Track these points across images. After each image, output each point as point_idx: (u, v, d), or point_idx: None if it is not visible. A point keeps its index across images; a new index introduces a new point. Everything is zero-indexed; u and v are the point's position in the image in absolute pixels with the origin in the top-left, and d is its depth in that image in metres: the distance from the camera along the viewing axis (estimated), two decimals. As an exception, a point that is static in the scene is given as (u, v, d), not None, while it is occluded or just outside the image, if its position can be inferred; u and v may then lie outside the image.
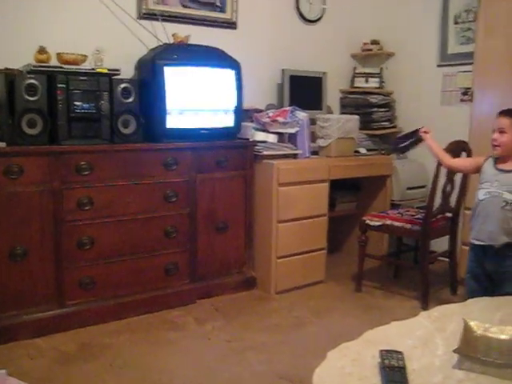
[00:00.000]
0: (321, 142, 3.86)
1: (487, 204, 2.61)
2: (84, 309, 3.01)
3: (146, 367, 2.57)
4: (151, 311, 3.20)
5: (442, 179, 3.40)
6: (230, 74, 3.48)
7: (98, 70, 3.07)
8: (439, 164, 3.21)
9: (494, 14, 3.41)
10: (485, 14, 3.46)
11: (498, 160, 2.67)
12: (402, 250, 4.15)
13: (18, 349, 2.71)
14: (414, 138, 2.68)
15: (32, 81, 2.80)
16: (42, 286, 2.88)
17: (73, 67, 3.01)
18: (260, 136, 3.59)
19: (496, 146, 2.63)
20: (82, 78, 2.97)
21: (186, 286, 3.38)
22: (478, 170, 2.76)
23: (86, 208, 2.95)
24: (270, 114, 3.67)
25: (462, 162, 3.07)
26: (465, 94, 4.12)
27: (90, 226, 2.99)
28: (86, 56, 3.14)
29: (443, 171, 3.34)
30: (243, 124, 3.62)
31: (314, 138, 3.91)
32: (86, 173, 2.93)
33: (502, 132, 2.60)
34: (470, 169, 2.90)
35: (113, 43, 3.35)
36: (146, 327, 3.03)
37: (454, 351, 1.65)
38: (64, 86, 2.90)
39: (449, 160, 2.97)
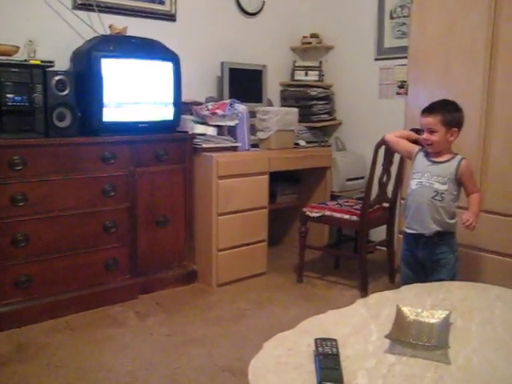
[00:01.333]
0: (260, 135, 3.88)
1: (418, 194, 2.70)
2: (20, 308, 2.92)
3: (84, 365, 2.52)
4: (91, 308, 3.15)
5: (379, 170, 3.48)
6: (168, 66, 3.44)
7: (31, 62, 2.97)
8: (375, 155, 3.29)
9: (426, 9, 3.50)
10: (418, 8, 3.55)
11: (430, 153, 2.75)
12: (342, 241, 4.23)
13: (-51, 351, 2.62)
14: None
15: (-41, 72, 2.69)
16: (-26, 285, 2.79)
17: (4, 58, 2.89)
18: (199, 129, 3.57)
19: (429, 144, 2.70)
20: (13, 69, 2.87)
21: (127, 282, 3.33)
22: (409, 157, 2.86)
23: (20, 204, 2.86)
24: (210, 107, 3.65)
25: (406, 143, 2.96)
26: (401, 87, 4.22)
27: (25, 223, 2.90)
28: (18, 47, 3.03)
29: (380, 162, 3.41)
30: (182, 117, 3.59)
31: (254, 130, 3.93)
32: (20, 168, 2.84)
33: (431, 131, 2.66)
34: (404, 152, 2.98)
35: (47, 34, 3.27)
36: (86, 324, 2.97)
37: (386, 337, 1.70)
38: (-7, 77, 2.80)
39: (397, 138, 2.99)
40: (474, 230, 2.63)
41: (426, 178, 2.70)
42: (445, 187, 2.67)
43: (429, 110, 2.68)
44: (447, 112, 2.68)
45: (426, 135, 2.68)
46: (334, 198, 4.16)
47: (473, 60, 3.28)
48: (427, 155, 2.75)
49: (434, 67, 3.48)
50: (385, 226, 3.77)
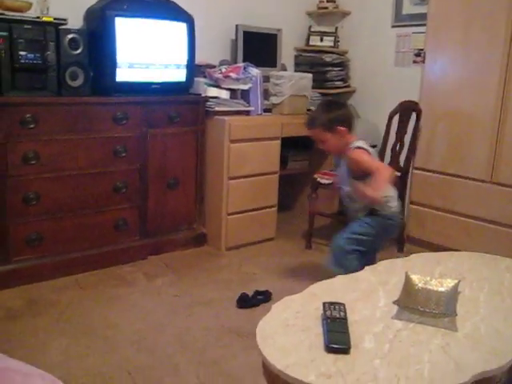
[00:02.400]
0: (274, 100, 3.84)
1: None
2: (31, 265, 2.95)
3: (92, 322, 2.56)
4: (101, 267, 3.18)
5: (392, 139, 3.45)
6: (182, 27, 3.39)
7: (44, 19, 2.93)
8: (389, 123, 3.26)
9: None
10: (439, -26, 3.47)
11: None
12: (352, 209, 4.22)
13: (-38, 304, 2.66)
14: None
15: (-29, 27, 2.67)
16: (-14, 241, 2.82)
17: (16, 14, 2.87)
18: (212, 92, 3.54)
19: (325, 151, 2.86)
20: (26, 26, 2.84)
21: (137, 242, 3.36)
22: None
23: (32, 162, 2.87)
24: (223, 70, 3.61)
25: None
26: (418, 55, 4.15)
27: (37, 181, 2.91)
28: (30, 3, 3.00)
29: (393, 131, 3.38)
30: (195, 79, 3.55)
31: (267, 95, 3.89)
32: (32, 126, 2.84)
33: (321, 141, 2.72)
34: None
35: (60, -10, 3.22)
36: (95, 283, 3.01)
37: (394, 303, 1.71)
38: (6, 34, 2.76)
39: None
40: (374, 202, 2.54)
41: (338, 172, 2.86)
42: (349, 191, 2.73)
43: (308, 125, 2.75)
44: (323, 118, 2.68)
45: (319, 145, 2.77)
46: (345, 165, 4.13)
47: (493, 29, 3.22)
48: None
49: (453, 35, 3.42)
50: (395, 196, 3.75)
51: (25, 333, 2.43)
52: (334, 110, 2.70)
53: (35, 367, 2.10)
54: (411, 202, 3.78)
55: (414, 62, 4.19)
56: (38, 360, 2.18)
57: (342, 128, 2.66)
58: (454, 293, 1.76)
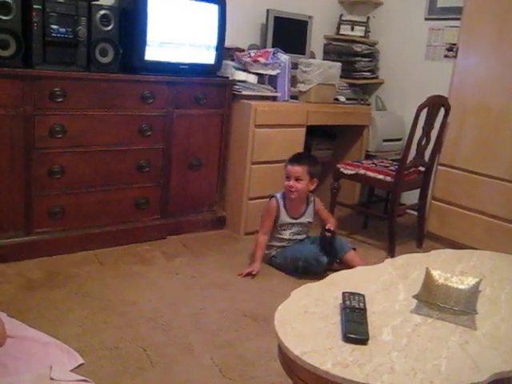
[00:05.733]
0: (301, 87, 3.82)
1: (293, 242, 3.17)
2: (52, 238, 2.99)
3: (110, 297, 2.59)
4: (120, 244, 3.21)
5: (419, 133, 3.41)
6: (214, 8, 3.38)
7: (77, -6, 2.95)
8: (417, 117, 3.23)
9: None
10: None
11: (288, 206, 3.11)
12: (373, 201, 4.21)
13: (-17, 273, 2.71)
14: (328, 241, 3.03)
15: (5, -2, 2.68)
16: (9, 212, 2.84)
17: (50, -12, 2.88)
18: (240, 75, 3.52)
19: (292, 191, 3.03)
20: (59, 0, 2.85)
21: (157, 221, 3.38)
22: (274, 217, 3.12)
23: (59, 136, 2.90)
24: (252, 54, 3.60)
25: (267, 226, 3.13)
26: (450, 49, 4.09)
27: (62, 155, 2.94)
28: (64, -22, 3.01)
29: (420, 125, 3.35)
30: (224, 62, 3.55)
31: (294, 82, 3.87)
32: (60, 100, 2.86)
33: (298, 179, 3.01)
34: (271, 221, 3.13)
35: (94, -34, 3.22)
36: (114, 259, 3.04)
37: (414, 297, 1.70)
38: (40, 7, 2.78)
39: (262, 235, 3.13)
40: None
41: (293, 233, 3.16)
42: (304, 235, 3.20)
43: (297, 160, 3.04)
44: (312, 164, 3.06)
45: (292, 182, 3.02)
46: (368, 157, 4.12)
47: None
48: (286, 211, 3.12)
49: (488, 31, 3.37)
50: (417, 190, 3.72)
51: (44, 304, 2.46)
52: (316, 163, 3.11)
53: (53, 338, 2.15)
54: (433, 198, 3.75)
55: (446, 56, 4.14)
56: (55, 331, 2.21)
57: (316, 181, 3.10)
58: (474, 291, 1.74)
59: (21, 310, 2.38)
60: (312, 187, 3.07)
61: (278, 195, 3.13)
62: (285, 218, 3.10)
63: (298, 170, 3.00)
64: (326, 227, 3.05)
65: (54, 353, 2.06)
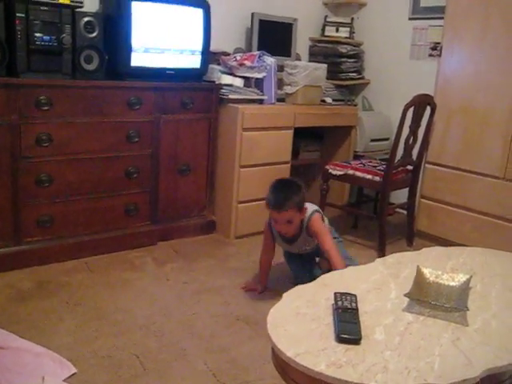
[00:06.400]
0: (287, 89, 3.83)
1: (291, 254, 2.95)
2: (41, 247, 2.97)
3: (102, 305, 2.57)
4: (110, 251, 3.19)
5: (406, 132, 3.43)
6: (198, 13, 3.38)
7: (60, 1, 2.92)
8: (403, 116, 3.24)
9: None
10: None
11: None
12: (362, 201, 4.22)
13: (-28, 284, 2.68)
14: None
15: (-13, 8, 2.66)
16: (-3, 221, 2.83)
17: (33, -4, 2.87)
18: (226, 79, 3.53)
19: (285, 234, 2.69)
20: (42, 8, 2.83)
21: (146, 228, 3.37)
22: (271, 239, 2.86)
23: (45, 144, 2.88)
24: (238, 58, 3.60)
25: (267, 245, 2.89)
26: (434, 48, 4.12)
27: (49, 164, 2.92)
28: (47, -15, 3.00)
29: (407, 124, 3.36)
30: (210, 66, 3.55)
31: (281, 85, 3.88)
32: (46, 108, 2.84)
33: (289, 222, 2.61)
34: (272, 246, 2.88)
35: (76, -26, 3.20)
36: (105, 267, 3.02)
37: (406, 295, 1.71)
38: (23, 15, 2.76)
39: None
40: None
41: (293, 250, 2.88)
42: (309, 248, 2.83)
43: (282, 206, 2.57)
44: (297, 196, 2.61)
45: (283, 227, 2.63)
46: (357, 157, 4.13)
47: (512, 23, 3.18)
48: (280, 236, 2.78)
49: (471, 29, 3.39)
50: (406, 189, 3.74)
51: (34, 314, 2.44)
52: (300, 189, 2.66)
53: (45, 348, 2.13)
54: (422, 197, 3.77)
55: (430, 55, 4.16)
56: (47, 341, 2.19)
57: (305, 207, 2.67)
58: (465, 288, 1.75)
59: (11, 320, 2.35)
60: (304, 215, 2.67)
61: (271, 221, 2.78)
62: (280, 241, 2.84)
63: (285, 215, 2.58)
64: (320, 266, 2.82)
65: (46, 363, 2.04)
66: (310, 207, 2.73)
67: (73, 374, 2.01)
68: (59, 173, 2.96)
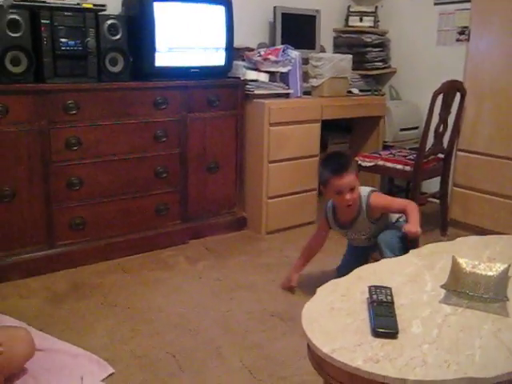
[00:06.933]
0: (313, 82, 3.79)
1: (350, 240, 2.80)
2: (74, 249, 3.00)
3: (136, 305, 2.59)
4: (142, 251, 3.21)
5: (436, 120, 3.36)
6: (220, 10, 3.37)
7: (84, 5, 2.95)
8: (432, 103, 3.18)
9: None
10: None
11: (337, 216, 2.66)
12: (394, 191, 4.16)
13: (9, 289, 2.72)
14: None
15: (14, 16, 2.69)
16: (31, 226, 2.86)
17: (57, 2, 2.88)
18: (251, 75, 3.51)
19: (351, 204, 2.52)
20: (66, 13, 2.86)
21: (177, 227, 3.38)
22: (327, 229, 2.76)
23: (74, 148, 2.91)
24: (262, 53, 3.58)
25: (318, 236, 2.80)
26: (461, 33, 4.03)
27: (79, 167, 2.95)
28: (70, -10, 3.02)
29: (437, 112, 3.30)
30: (234, 63, 3.53)
31: (306, 77, 3.84)
32: (74, 112, 2.87)
33: (352, 189, 2.47)
34: (325, 234, 2.77)
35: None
36: (137, 267, 3.04)
37: (442, 286, 1.67)
38: (48, 21, 2.79)
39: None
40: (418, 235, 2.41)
41: (350, 236, 2.73)
42: (368, 235, 2.66)
43: (343, 169, 2.45)
44: (351, 162, 2.55)
45: (348, 196, 2.47)
46: (386, 147, 4.07)
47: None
48: (336, 222, 2.67)
49: (500, 11, 3.31)
50: (438, 178, 3.67)
51: (71, 315, 2.47)
52: (349, 156, 2.62)
53: (82, 349, 2.15)
54: (455, 185, 3.70)
55: (458, 40, 4.08)
56: (84, 342, 2.22)
57: (357, 174, 2.58)
58: (503, 277, 1.70)
59: (48, 323, 2.39)
60: (358, 183, 2.54)
61: (329, 203, 2.68)
62: (336, 227, 2.71)
63: (349, 180, 2.45)
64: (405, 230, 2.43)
65: (83, 364, 2.06)
66: (364, 188, 2.63)
67: (110, 374, 2.03)
68: (89, 175, 2.99)
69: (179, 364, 2.12)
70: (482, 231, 3.24)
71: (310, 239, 2.82)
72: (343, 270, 2.48)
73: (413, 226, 2.39)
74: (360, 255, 2.77)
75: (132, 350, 2.20)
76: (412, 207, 2.51)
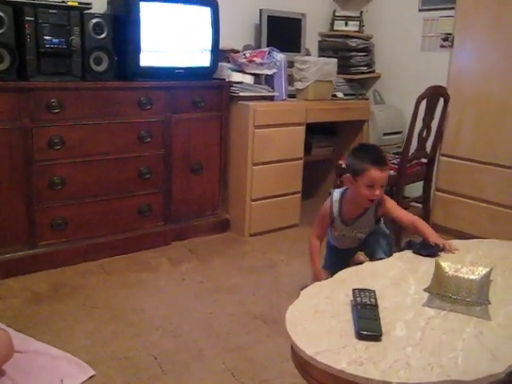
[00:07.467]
0: (298, 85, 3.80)
1: (343, 239, 2.63)
2: (56, 250, 2.97)
3: (118, 307, 2.57)
4: (125, 252, 3.19)
5: (419, 125, 3.39)
6: (207, 11, 3.36)
7: (69, 3, 2.91)
8: (416, 108, 3.20)
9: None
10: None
11: (343, 211, 2.53)
12: (377, 196, 4.17)
13: (-11, 289, 2.69)
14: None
15: (-3, 12, 2.66)
16: (12, 226, 2.82)
17: (41, -1, 2.86)
18: (236, 77, 3.50)
19: (373, 200, 2.40)
20: (51, 10, 2.82)
21: (160, 228, 3.36)
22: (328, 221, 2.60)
23: (57, 147, 2.88)
24: (247, 55, 3.58)
25: (321, 230, 2.63)
26: (445, 39, 4.07)
27: (62, 166, 2.92)
28: (55, -12, 2.99)
29: (420, 117, 3.32)
30: (219, 64, 3.53)
31: (291, 80, 3.85)
32: (57, 111, 2.84)
33: (382, 186, 2.36)
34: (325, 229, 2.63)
35: (84, -25, 3.20)
36: (120, 268, 3.02)
37: (425, 290, 1.68)
38: (32, 18, 2.76)
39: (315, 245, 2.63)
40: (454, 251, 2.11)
41: (346, 232, 2.58)
42: (362, 234, 2.56)
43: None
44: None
45: (378, 192, 2.34)
46: (370, 152, 4.08)
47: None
48: (340, 217, 2.54)
49: (483, 18, 3.34)
50: (421, 183, 3.70)
51: (51, 317, 2.44)
52: None
53: (62, 351, 2.12)
54: (437, 189, 3.73)
55: (442, 46, 4.11)
56: (64, 344, 2.19)
57: None
58: (486, 281, 1.72)
59: (28, 324, 2.36)
60: None
61: (336, 195, 2.56)
62: (338, 223, 2.57)
63: (385, 175, 2.34)
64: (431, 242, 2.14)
65: (63, 366, 2.04)
66: None
67: (91, 377, 2.00)
68: (72, 175, 2.96)
69: (161, 366, 2.10)
70: (463, 235, 3.27)
71: (313, 242, 2.62)
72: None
73: (439, 239, 2.18)
74: (343, 258, 2.75)
75: (113, 352, 2.18)
76: (421, 220, 2.39)
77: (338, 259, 2.70)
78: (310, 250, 2.61)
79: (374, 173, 2.32)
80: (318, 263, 2.59)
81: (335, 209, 2.53)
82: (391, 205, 2.48)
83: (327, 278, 2.19)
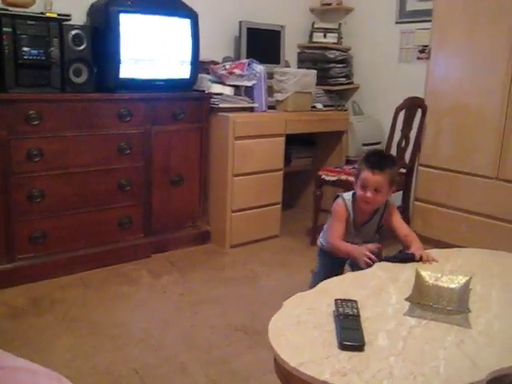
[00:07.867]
0: (278, 96, 3.82)
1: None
2: (35, 263, 2.93)
3: (98, 321, 2.54)
4: (105, 265, 3.16)
5: (398, 135, 3.43)
6: (186, 23, 3.37)
7: (48, 15, 2.91)
8: (395, 119, 3.24)
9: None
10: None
11: (357, 211, 2.45)
12: (356, 206, 4.20)
13: (-34, 303, 2.64)
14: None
15: (-26, 23, 2.64)
16: (-10, 239, 2.79)
17: (20, 10, 2.84)
18: (216, 88, 3.51)
19: (369, 203, 2.37)
20: (30, 22, 2.82)
21: (141, 240, 3.34)
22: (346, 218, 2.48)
23: (36, 159, 2.85)
24: (227, 67, 3.59)
25: (339, 230, 2.45)
26: (422, 51, 4.13)
27: (41, 178, 2.90)
28: (34, -1, 2.98)
29: (398, 127, 3.36)
30: (199, 76, 3.54)
31: (271, 92, 3.87)
32: (36, 122, 2.82)
33: (377, 190, 2.34)
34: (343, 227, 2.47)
35: (63, -14, 3.19)
36: (100, 281, 2.99)
37: (406, 299, 1.69)
38: (10, 30, 2.75)
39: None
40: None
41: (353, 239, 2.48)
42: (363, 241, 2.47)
43: (380, 167, 2.33)
44: (394, 169, 2.41)
45: (369, 193, 2.32)
46: (349, 162, 4.12)
47: (498, 24, 3.20)
48: (353, 222, 2.45)
49: (459, 31, 3.40)
50: (400, 193, 3.73)
51: (30, 332, 2.41)
52: (395, 164, 2.44)
53: (41, 366, 2.08)
54: (416, 199, 3.77)
55: (418, 58, 4.16)
56: (44, 359, 2.15)
57: (394, 189, 2.44)
58: (465, 289, 1.74)
59: (6, 339, 2.32)
60: (389, 195, 2.43)
61: (347, 195, 2.48)
62: (350, 224, 2.48)
63: (378, 179, 2.32)
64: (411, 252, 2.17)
65: (44, 381, 2.00)
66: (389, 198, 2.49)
67: (71, 392, 1.97)
68: (51, 187, 2.93)
69: (143, 380, 2.08)
70: (442, 244, 3.30)
71: (336, 241, 2.43)
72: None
73: (419, 250, 2.18)
74: (337, 267, 2.67)
75: (94, 367, 2.15)
76: (415, 235, 2.42)
77: (334, 268, 2.54)
78: (337, 245, 2.41)
79: (366, 174, 2.34)
80: (348, 245, 2.40)
81: (350, 207, 2.45)
82: (396, 214, 2.49)
83: (375, 248, 2.26)
